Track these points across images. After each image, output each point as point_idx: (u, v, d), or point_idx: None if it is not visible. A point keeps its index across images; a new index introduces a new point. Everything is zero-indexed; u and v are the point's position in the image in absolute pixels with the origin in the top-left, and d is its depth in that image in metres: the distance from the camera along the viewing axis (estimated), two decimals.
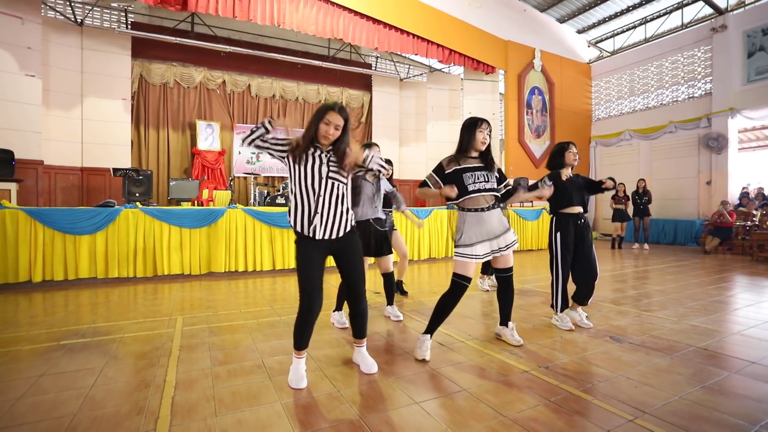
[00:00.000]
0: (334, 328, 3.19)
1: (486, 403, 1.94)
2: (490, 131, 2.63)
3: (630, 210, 9.12)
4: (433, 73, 11.96)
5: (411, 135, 12.39)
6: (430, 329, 2.59)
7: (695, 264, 6.70)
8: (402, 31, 9.09)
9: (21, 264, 4.52)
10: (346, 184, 2.21)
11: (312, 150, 2.16)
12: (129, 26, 8.91)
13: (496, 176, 2.67)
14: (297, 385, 2.09)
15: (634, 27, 11.33)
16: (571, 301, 3.29)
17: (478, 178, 2.56)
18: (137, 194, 7.01)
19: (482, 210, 2.58)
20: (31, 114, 7.37)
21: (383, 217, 3.38)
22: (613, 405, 1.92)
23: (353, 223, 2.26)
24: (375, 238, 3.25)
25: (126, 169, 6.90)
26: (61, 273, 4.69)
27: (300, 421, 1.77)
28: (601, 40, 12.15)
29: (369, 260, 3.42)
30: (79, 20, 8.37)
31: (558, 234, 3.18)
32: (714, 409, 1.89)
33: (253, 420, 1.77)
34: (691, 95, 10.04)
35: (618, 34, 11.75)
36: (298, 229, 2.14)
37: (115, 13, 8.84)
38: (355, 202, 3.16)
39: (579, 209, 3.21)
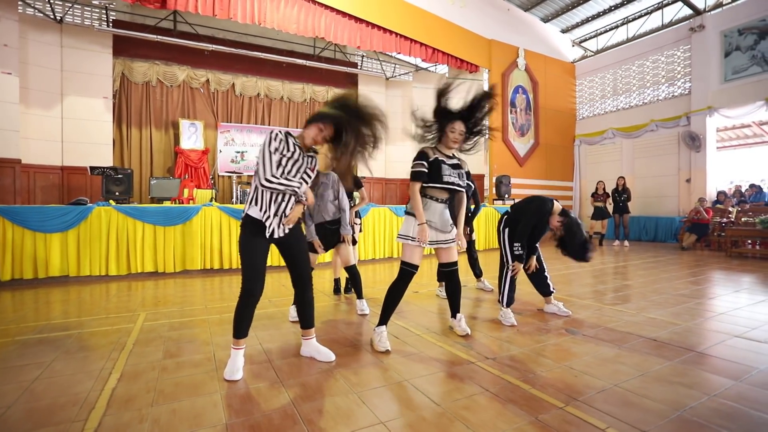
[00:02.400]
0: (290, 322, 3.21)
1: (424, 393, 1.97)
2: (463, 130, 2.68)
3: (610, 208, 9.21)
4: (418, 72, 12.00)
5: (398, 134, 12.41)
6: (384, 320, 2.63)
7: (671, 260, 6.79)
8: (385, 30, 9.11)
9: None
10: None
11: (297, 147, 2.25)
12: (110, 24, 8.86)
13: (466, 174, 2.77)
14: (231, 377, 2.10)
15: (617, 27, 11.45)
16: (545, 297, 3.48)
17: (453, 174, 2.62)
18: (117, 193, 6.97)
19: (438, 201, 2.65)
20: (8, 112, 7.31)
21: (336, 218, 3.39)
22: (549, 393, 1.96)
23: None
24: (325, 235, 3.36)
25: (104, 168, 6.87)
26: (31, 271, 4.66)
27: (234, 411, 1.79)
28: (585, 40, 12.26)
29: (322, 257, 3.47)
30: (58, 17, 8.31)
31: (507, 230, 3.29)
32: (645, 396, 1.93)
33: (188, 409, 1.79)
34: (671, 94, 10.16)
35: (601, 33, 11.86)
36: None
37: (96, 10, 8.79)
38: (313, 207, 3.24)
39: None
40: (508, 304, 3.21)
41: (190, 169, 9.45)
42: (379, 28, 9.02)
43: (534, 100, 11.32)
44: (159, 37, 8.84)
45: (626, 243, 8.98)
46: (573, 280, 5.04)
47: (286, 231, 2.26)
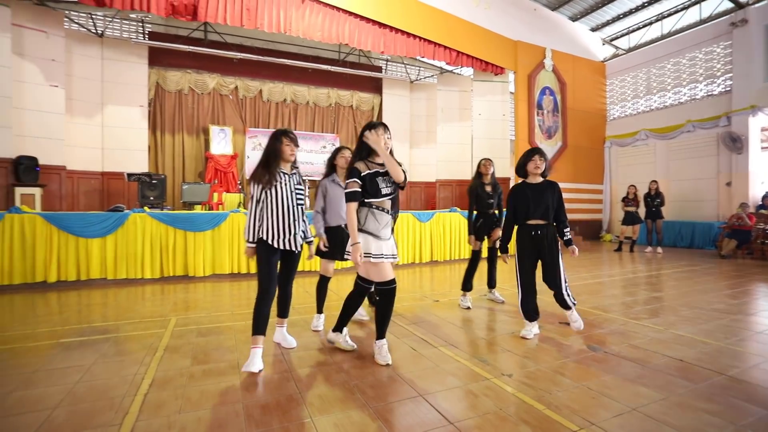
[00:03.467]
0: (312, 331, 3.30)
1: (437, 409, 2.01)
2: (390, 135, 2.58)
3: (642, 213, 8.88)
4: (443, 74, 11.94)
5: (422, 137, 12.40)
6: (382, 333, 2.65)
7: (707, 269, 6.49)
8: (408, 35, 9.14)
9: (38, 265, 4.84)
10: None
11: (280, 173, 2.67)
12: (146, 36, 9.31)
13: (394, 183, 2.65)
14: (249, 368, 2.42)
15: (650, 23, 11.00)
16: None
17: (388, 184, 2.58)
18: (151, 198, 7.36)
19: (385, 211, 2.60)
20: (55, 122, 7.83)
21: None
22: (564, 415, 1.95)
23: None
24: (343, 241, 3.24)
25: (139, 174, 7.25)
26: (74, 274, 4.99)
27: (255, 422, 1.88)
28: (616, 38, 11.85)
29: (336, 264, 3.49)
30: (99, 32, 8.81)
31: (516, 246, 3.25)
32: (664, 422, 1.89)
33: (212, 418, 1.90)
34: (710, 93, 9.68)
35: (633, 31, 11.43)
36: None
37: (133, 23, 9.25)
38: (326, 208, 3.28)
39: (538, 221, 3.15)
40: (532, 319, 3.17)
41: (219, 174, 9.79)
42: (403, 32, 9.05)
43: (562, 102, 11.05)
44: (191, 47, 9.22)
45: (659, 249, 8.64)
46: (599, 291, 4.92)
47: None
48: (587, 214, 11.56)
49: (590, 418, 1.92)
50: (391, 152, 2.60)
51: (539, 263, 3.20)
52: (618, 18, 11.16)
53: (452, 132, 11.42)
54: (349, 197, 2.51)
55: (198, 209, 7.60)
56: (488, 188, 4.16)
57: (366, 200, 2.56)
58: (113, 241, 5.15)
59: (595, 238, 11.64)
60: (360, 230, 2.54)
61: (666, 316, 3.71)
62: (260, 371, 2.43)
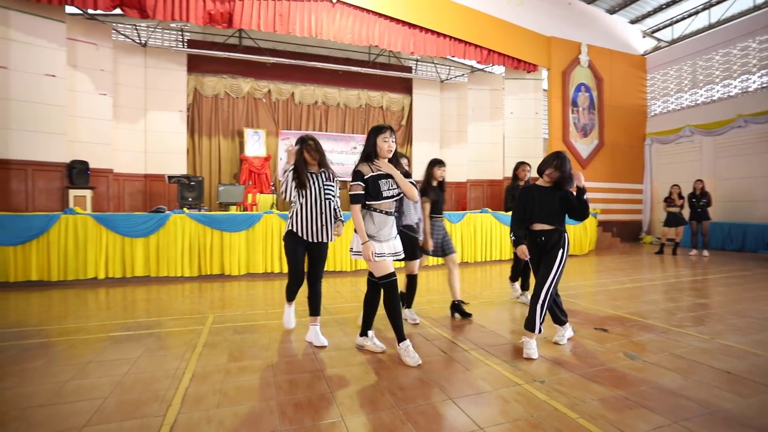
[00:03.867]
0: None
1: (467, 414, 2.00)
2: (395, 139, 2.67)
3: (687, 213, 8.41)
4: (474, 73, 11.78)
5: (452, 137, 12.28)
6: (368, 327, 2.87)
7: (760, 274, 6.07)
8: (438, 34, 9.08)
9: (89, 262, 5.19)
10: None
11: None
12: (185, 44, 9.74)
13: (410, 179, 2.75)
14: (287, 326, 3.26)
15: (697, 12, 10.39)
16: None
17: (392, 186, 2.67)
18: (190, 199, 7.70)
19: (387, 213, 2.70)
20: (104, 128, 8.34)
21: (412, 223, 3.48)
22: (598, 425, 1.90)
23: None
24: (407, 243, 3.35)
25: (179, 176, 7.61)
26: (120, 271, 5.30)
27: (288, 418, 1.94)
28: (658, 29, 11.27)
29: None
30: (143, 42, 9.30)
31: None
32: None
33: (248, 413, 1.98)
34: (764, 84, 9.04)
35: (677, 21, 10.84)
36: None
37: (174, 32, 9.69)
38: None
39: (543, 226, 2.85)
40: (556, 321, 3.03)
41: (253, 175, 10.10)
42: (433, 32, 9.01)
43: (598, 98, 10.65)
44: (226, 53, 9.57)
45: (705, 253, 8.16)
46: (637, 295, 4.71)
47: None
48: (626, 214, 11.08)
49: (627, 429, 1.86)
50: (395, 155, 2.71)
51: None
52: (660, 8, 10.62)
53: (483, 131, 11.25)
54: (353, 200, 2.64)
55: (233, 210, 7.88)
56: None
57: (367, 202, 2.66)
58: (155, 241, 5.44)
59: (634, 239, 11.14)
60: (369, 236, 2.67)
61: (712, 325, 3.52)
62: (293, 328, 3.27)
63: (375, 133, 2.67)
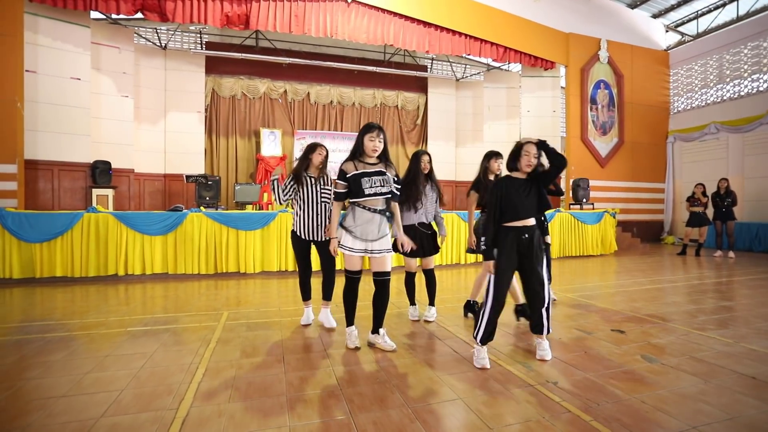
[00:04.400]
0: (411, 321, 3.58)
1: (477, 414, 1.98)
2: (381, 139, 2.69)
3: (711, 213, 8.12)
4: (490, 71, 11.66)
5: (468, 136, 12.20)
6: (350, 321, 2.93)
7: None
8: (453, 32, 9.02)
9: (110, 259, 5.34)
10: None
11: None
12: (203, 46, 9.93)
13: (394, 180, 2.80)
14: (304, 322, 3.38)
15: (724, 5, 10.03)
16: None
17: (375, 183, 2.70)
18: (207, 198, 7.83)
19: (369, 210, 2.74)
20: (125, 129, 8.58)
21: (427, 221, 3.55)
22: (613, 429, 1.85)
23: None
24: (420, 240, 3.44)
25: (197, 176, 7.75)
26: (140, 268, 5.44)
27: (297, 415, 1.95)
28: (682, 23, 10.94)
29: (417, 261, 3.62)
30: (163, 45, 9.53)
31: (495, 251, 2.58)
32: None
33: (258, 409, 2.00)
34: None
35: (703, 14, 10.49)
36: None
37: (192, 35, 9.90)
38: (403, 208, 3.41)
39: (526, 222, 2.56)
40: (484, 341, 2.57)
41: (269, 175, 10.22)
42: (448, 30, 8.96)
43: (618, 95, 10.40)
44: (243, 54, 9.72)
45: (731, 254, 7.87)
46: (657, 297, 4.58)
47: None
48: (646, 214, 10.80)
49: None
50: (384, 152, 2.75)
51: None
52: (685, 1, 10.30)
53: (499, 130, 11.12)
54: (335, 197, 2.80)
55: (249, 209, 7.99)
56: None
57: (352, 199, 2.74)
58: (173, 239, 5.56)
59: (654, 240, 10.84)
60: (339, 224, 2.82)
61: (737, 328, 3.39)
62: (310, 324, 3.40)
63: (363, 131, 2.72)
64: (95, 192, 7.49)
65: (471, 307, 3.72)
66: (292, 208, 3.41)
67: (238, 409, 2.00)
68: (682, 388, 2.26)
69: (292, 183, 3.21)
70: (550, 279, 2.73)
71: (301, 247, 3.27)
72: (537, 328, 2.70)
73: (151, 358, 2.66)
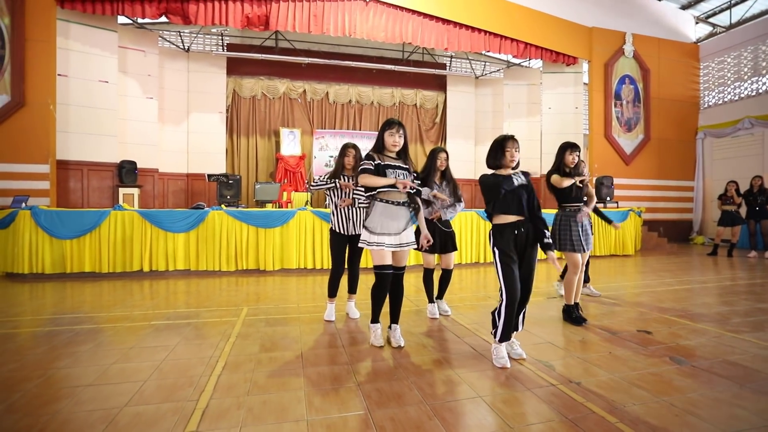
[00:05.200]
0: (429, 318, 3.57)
1: (497, 412, 1.93)
2: (402, 134, 2.75)
3: (744, 212, 7.76)
4: (510, 68, 11.47)
5: (488, 134, 12.01)
6: (375, 318, 2.88)
7: None
8: (472, 29, 8.92)
9: (135, 256, 5.50)
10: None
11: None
12: (225, 48, 10.12)
13: (413, 176, 2.82)
14: (328, 318, 3.45)
15: None
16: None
17: (399, 176, 2.72)
18: (228, 197, 7.97)
19: (393, 203, 2.75)
20: (150, 130, 8.83)
21: (448, 218, 3.55)
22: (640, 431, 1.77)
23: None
24: (439, 236, 3.48)
25: (218, 175, 7.90)
26: (164, 264, 5.58)
27: (315, 409, 1.95)
28: (713, 14, 10.49)
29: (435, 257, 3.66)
30: (186, 47, 9.76)
31: (496, 249, 2.55)
32: None
33: (276, 402, 2.01)
34: None
35: (736, 4, 10.03)
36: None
37: (214, 37, 10.11)
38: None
39: (518, 217, 2.54)
40: (503, 339, 2.53)
41: (288, 174, 10.34)
42: (467, 27, 8.86)
43: (644, 90, 10.06)
44: (263, 55, 9.87)
45: (767, 255, 7.50)
46: (687, 298, 4.40)
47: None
48: (674, 213, 10.41)
49: None
50: (404, 148, 2.81)
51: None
52: None
53: (520, 128, 10.91)
54: (361, 171, 2.75)
55: (269, 207, 8.10)
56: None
57: (375, 192, 2.74)
58: (195, 236, 5.68)
59: (683, 240, 10.44)
60: (363, 226, 2.80)
61: None
62: (332, 321, 3.44)
63: (384, 127, 2.79)
64: (122, 191, 7.74)
65: (570, 313, 3.45)
66: (327, 208, 3.53)
67: (256, 402, 2.01)
68: (714, 392, 2.15)
69: (327, 179, 3.41)
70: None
71: (340, 243, 3.40)
72: (505, 335, 2.53)
73: (173, 350, 2.71)
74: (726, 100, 10.19)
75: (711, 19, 10.57)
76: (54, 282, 5.09)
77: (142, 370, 2.39)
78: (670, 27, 10.54)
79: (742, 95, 9.85)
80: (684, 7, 10.59)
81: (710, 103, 10.54)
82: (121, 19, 8.45)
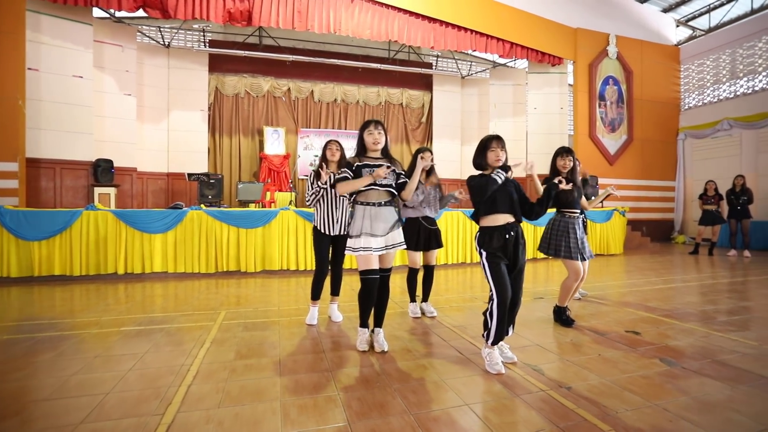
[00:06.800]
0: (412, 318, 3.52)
1: (485, 422, 1.83)
2: (381, 131, 2.68)
3: (725, 212, 7.88)
4: (496, 68, 11.48)
5: (473, 134, 11.99)
6: (363, 323, 2.76)
7: None
8: (459, 28, 8.87)
9: (109, 258, 5.25)
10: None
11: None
12: (206, 44, 9.86)
13: (396, 173, 2.72)
14: (310, 322, 3.30)
15: None
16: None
17: (373, 171, 2.60)
18: (209, 196, 7.76)
19: (373, 204, 2.66)
20: (128, 128, 8.52)
21: (433, 215, 3.54)
22: None
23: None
24: (424, 233, 3.45)
25: (199, 174, 7.67)
26: (140, 266, 5.35)
27: (291, 421, 1.82)
28: (693, 18, 10.68)
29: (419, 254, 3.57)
30: (166, 43, 9.47)
31: (483, 251, 2.45)
32: None
33: (249, 414, 1.87)
34: None
35: (715, 8, 10.23)
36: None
37: (195, 33, 9.83)
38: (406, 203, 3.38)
39: (507, 218, 2.46)
40: (495, 341, 2.43)
41: (272, 173, 10.14)
42: (453, 26, 8.81)
43: (627, 91, 10.18)
44: (246, 52, 9.64)
45: (747, 253, 7.63)
46: (672, 297, 4.39)
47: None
48: (656, 213, 10.55)
49: None
50: (385, 148, 2.74)
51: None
52: None
53: (506, 128, 10.93)
54: (336, 182, 2.71)
55: (252, 207, 7.89)
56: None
57: (353, 194, 2.71)
58: (173, 237, 5.46)
59: (665, 239, 10.59)
60: (349, 235, 2.70)
61: (760, 330, 3.20)
62: (314, 325, 3.29)
63: (362, 129, 2.73)
64: (97, 190, 7.44)
65: (560, 314, 3.38)
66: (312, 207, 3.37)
67: (227, 415, 1.86)
68: (707, 395, 2.09)
69: (314, 183, 3.23)
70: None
71: (323, 243, 3.29)
72: (497, 338, 2.42)
73: (141, 359, 2.54)
74: (706, 101, 10.38)
75: (691, 23, 10.76)
76: (20, 286, 4.82)
77: (105, 381, 2.21)
78: (652, 29, 10.69)
79: (721, 97, 10.04)
80: (665, 10, 10.76)
81: (691, 105, 10.72)
82: (98, 13, 8.14)
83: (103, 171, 7.53)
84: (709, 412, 1.91)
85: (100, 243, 5.24)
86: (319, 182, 3.19)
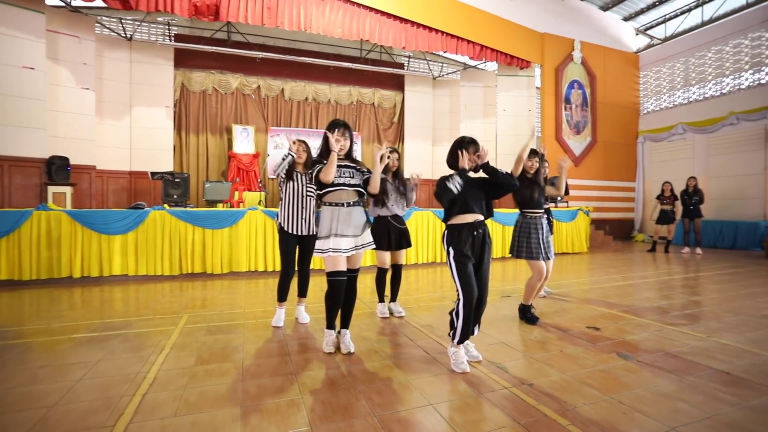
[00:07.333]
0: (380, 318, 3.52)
1: (449, 421, 1.84)
2: (345, 133, 2.66)
3: (679, 211, 8.33)
4: (466, 70, 11.65)
5: (445, 134, 12.13)
6: (329, 324, 2.74)
7: (753, 272, 5.98)
8: (430, 29, 8.94)
9: (63, 261, 4.96)
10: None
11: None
12: (172, 38, 9.50)
13: (363, 173, 2.73)
14: (276, 324, 3.24)
15: (690, 10, 10.34)
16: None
17: (344, 174, 2.64)
18: (175, 196, 7.46)
19: (342, 205, 2.65)
20: (86, 123, 8.09)
21: (401, 213, 3.56)
22: None
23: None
24: (394, 233, 3.45)
25: (163, 173, 7.37)
26: (97, 270, 5.08)
27: (251, 427, 1.77)
28: (651, 27, 11.22)
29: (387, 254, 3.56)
30: (128, 35, 9.05)
31: (451, 249, 2.46)
32: None
33: (207, 423, 1.80)
34: (757, 82, 8.99)
35: (671, 18, 10.79)
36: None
37: (160, 26, 9.45)
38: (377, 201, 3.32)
39: (476, 217, 2.49)
40: (461, 340, 2.44)
41: (241, 173, 9.89)
42: (425, 27, 8.86)
43: (591, 95, 10.57)
44: (214, 47, 9.35)
45: (698, 250, 8.08)
46: (630, 293, 4.59)
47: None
48: (618, 212, 11.02)
49: None
50: (349, 152, 2.73)
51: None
52: (653, 5, 10.57)
53: (476, 129, 11.10)
54: (317, 172, 2.62)
55: (220, 207, 7.67)
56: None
57: (318, 193, 2.70)
58: (134, 239, 5.23)
59: (626, 238, 11.08)
60: (318, 236, 2.67)
61: (707, 323, 3.39)
62: (281, 327, 3.24)
63: (327, 129, 2.65)
64: (51, 189, 7.02)
65: (525, 312, 3.46)
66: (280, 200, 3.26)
67: (184, 424, 1.79)
68: (658, 387, 2.19)
69: (285, 166, 3.14)
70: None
71: (289, 243, 3.21)
72: (463, 337, 2.44)
73: (93, 368, 2.40)
74: (662, 107, 10.92)
75: (649, 32, 11.30)
76: None
77: (50, 393, 2.08)
78: (614, 37, 11.15)
79: (676, 103, 10.60)
80: (626, 19, 11.24)
81: (649, 110, 11.25)
82: (52, 1, 7.69)
83: (57, 169, 7.12)
84: (660, 403, 2.00)
85: (53, 245, 4.95)
86: (292, 154, 3.14)
